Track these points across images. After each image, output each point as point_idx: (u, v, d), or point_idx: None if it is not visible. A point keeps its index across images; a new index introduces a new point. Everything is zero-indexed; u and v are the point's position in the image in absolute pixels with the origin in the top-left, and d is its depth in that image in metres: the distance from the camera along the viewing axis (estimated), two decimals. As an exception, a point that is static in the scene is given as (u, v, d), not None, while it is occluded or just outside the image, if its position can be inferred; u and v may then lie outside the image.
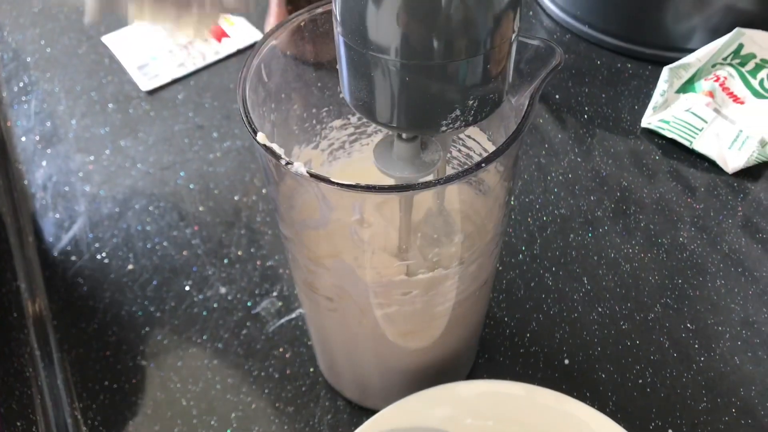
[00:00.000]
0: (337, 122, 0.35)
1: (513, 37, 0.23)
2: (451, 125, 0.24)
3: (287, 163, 0.24)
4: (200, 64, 0.62)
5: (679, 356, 0.43)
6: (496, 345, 0.44)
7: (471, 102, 0.24)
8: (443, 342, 0.35)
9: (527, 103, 0.26)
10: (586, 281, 0.47)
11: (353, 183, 0.23)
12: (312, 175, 0.23)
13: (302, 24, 0.30)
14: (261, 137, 0.25)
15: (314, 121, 0.34)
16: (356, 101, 0.25)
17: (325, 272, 0.30)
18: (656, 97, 0.55)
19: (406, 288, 0.30)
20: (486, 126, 0.33)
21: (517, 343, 0.44)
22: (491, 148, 0.33)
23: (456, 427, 0.35)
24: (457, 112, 0.24)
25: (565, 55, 0.61)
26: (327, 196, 0.26)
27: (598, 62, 0.61)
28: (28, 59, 0.64)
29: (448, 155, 0.37)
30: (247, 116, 0.26)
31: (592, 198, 0.51)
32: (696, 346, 0.44)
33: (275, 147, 0.24)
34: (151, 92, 0.60)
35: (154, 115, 0.58)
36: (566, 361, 0.43)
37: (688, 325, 0.45)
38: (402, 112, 0.24)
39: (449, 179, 0.24)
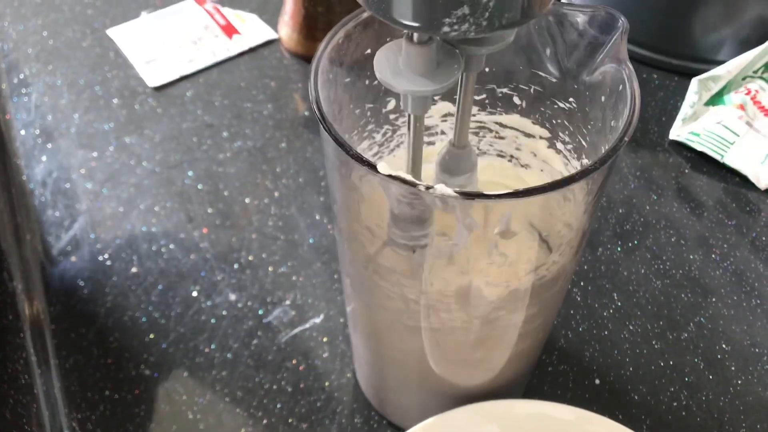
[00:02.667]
0: (365, 144, 0.33)
1: None
2: (456, 27, 0.20)
3: (428, 188, 0.21)
4: (210, 61, 0.59)
5: (715, 378, 0.41)
6: (522, 362, 0.42)
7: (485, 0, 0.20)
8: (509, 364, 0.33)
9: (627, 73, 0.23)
10: (616, 297, 0.45)
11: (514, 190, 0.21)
12: (464, 194, 0.21)
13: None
14: (383, 167, 0.21)
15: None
16: None
17: (442, 299, 0.28)
18: (685, 109, 0.53)
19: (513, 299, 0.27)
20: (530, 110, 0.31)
21: (545, 361, 0.42)
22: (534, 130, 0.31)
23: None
24: (466, 10, 0.20)
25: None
26: (474, 213, 0.23)
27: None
28: (30, 50, 0.61)
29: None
30: (351, 152, 0.22)
31: (620, 211, 0.49)
32: (732, 368, 0.42)
33: (403, 174, 0.22)
34: (158, 88, 0.57)
35: (161, 111, 0.56)
36: (597, 381, 0.41)
37: (724, 345, 0.43)
38: None
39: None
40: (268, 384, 0.41)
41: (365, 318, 0.33)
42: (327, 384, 0.41)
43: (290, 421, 0.39)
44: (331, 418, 0.39)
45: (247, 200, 0.50)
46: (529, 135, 0.33)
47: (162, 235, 0.48)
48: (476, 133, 0.35)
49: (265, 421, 0.39)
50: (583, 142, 0.31)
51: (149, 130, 0.54)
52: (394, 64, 0.24)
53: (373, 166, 0.21)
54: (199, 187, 0.50)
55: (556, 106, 0.32)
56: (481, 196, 0.21)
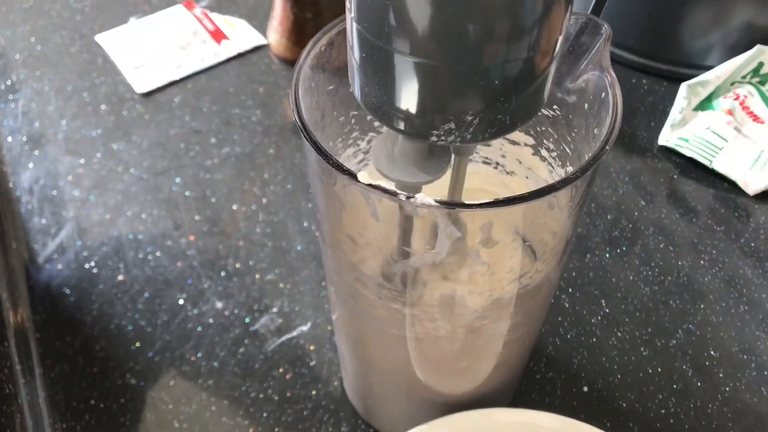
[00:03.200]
0: (350, 151, 0.33)
1: (527, 55, 0.20)
2: (443, 138, 0.22)
3: (408, 197, 0.21)
4: (199, 66, 0.59)
5: (703, 385, 0.41)
6: (510, 370, 0.41)
7: (469, 118, 0.21)
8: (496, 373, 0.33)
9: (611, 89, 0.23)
10: (604, 304, 0.44)
11: (500, 198, 0.21)
12: (445, 203, 0.21)
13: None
14: (363, 176, 0.21)
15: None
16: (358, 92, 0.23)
17: (426, 308, 0.27)
18: (674, 114, 0.53)
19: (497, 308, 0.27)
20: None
21: (533, 369, 0.41)
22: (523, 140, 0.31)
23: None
24: (452, 125, 0.21)
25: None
26: (459, 221, 0.23)
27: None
28: (17, 56, 0.61)
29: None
30: (331, 161, 0.22)
31: (609, 217, 0.49)
32: (721, 375, 0.41)
33: (383, 183, 0.22)
34: (146, 94, 0.57)
35: (149, 118, 0.55)
36: (585, 389, 0.41)
37: (712, 352, 0.42)
38: (389, 107, 0.21)
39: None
40: (255, 392, 0.40)
41: (350, 326, 0.33)
42: (314, 392, 0.40)
43: (277, 430, 0.39)
44: (317, 426, 0.39)
45: (234, 207, 0.49)
46: (514, 142, 0.33)
47: (149, 243, 0.47)
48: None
49: (251, 430, 0.39)
50: (567, 150, 0.31)
51: (137, 137, 0.54)
52: (390, 151, 0.24)
53: (353, 175, 0.21)
54: (187, 193, 0.50)
55: (540, 114, 0.31)
56: (461, 205, 0.21)
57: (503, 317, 0.28)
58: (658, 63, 0.58)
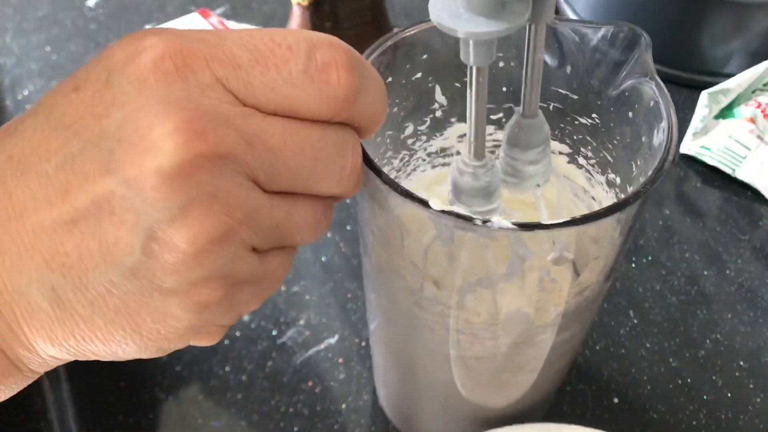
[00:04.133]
0: (385, 170, 0.32)
1: None
2: None
3: (484, 222, 0.21)
4: (216, 75, 0.58)
5: (733, 396, 0.41)
6: (540, 382, 0.41)
7: None
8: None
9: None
10: (632, 314, 0.44)
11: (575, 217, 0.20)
12: (523, 226, 0.21)
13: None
14: (436, 204, 0.21)
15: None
16: None
17: (488, 327, 0.27)
18: (696, 123, 0.53)
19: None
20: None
21: (563, 381, 0.41)
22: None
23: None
24: None
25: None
26: (529, 243, 0.23)
27: (631, 85, 0.59)
28: (33, 66, 0.60)
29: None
30: (400, 189, 0.22)
31: (637, 226, 0.49)
32: (751, 385, 0.41)
33: (457, 209, 0.21)
34: (165, 104, 0.57)
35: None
36: (615, 400, 0.41)
37: (741, 363, 0.42)
38: None
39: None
40: (284, 407, 0.40)
41: (399, 348, 0.33)
42: (344, 406, 0.40)
43: (308, 444, 0.39)
44: (349, 441, 0.39)
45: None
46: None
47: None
48: (492, 152, 0.35)
49: (282, 445, 0.39)
50: (609, 157, 0.31)
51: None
52: (453, 8, 0.21)
53: (425, 203, 0.21)
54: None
55: (577, 122, 0.31)
56: (540, 226, 0.21)
57: (561, 330, 0.28)
58: (678, 71, 0.58)
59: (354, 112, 0.20)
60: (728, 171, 0.51)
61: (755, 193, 0.51)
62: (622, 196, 0.31)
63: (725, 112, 0.54)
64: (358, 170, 0.21)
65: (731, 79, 0.54)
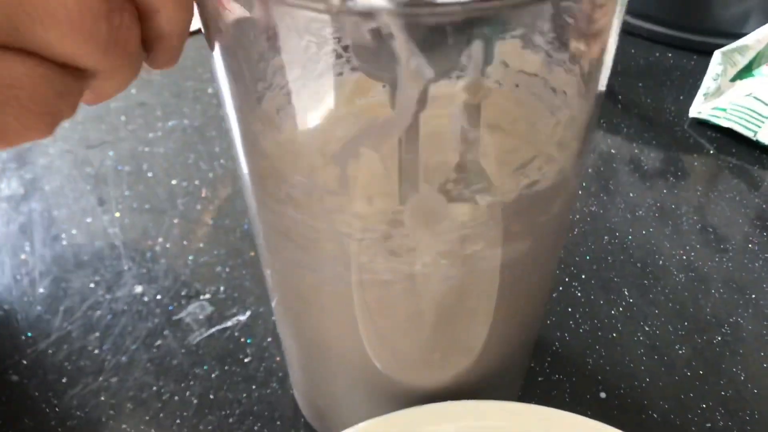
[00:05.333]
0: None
1: None
2: None
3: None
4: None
5: (760, 392, 0.31)
6: (503, 370, 0.31)
7: None
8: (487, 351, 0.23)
9: None
10: (627, 293, 0.35)
11: None
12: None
13: None
14: None
15: None
16: None
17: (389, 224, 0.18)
18: (707, 82, 0.44)
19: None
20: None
21: (534, 369, 0.32)
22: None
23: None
24: None
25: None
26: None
27: (633, 51, 0.51)
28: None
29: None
30: None
31: (631, 195, 0.40)
32: (783, 380, 0.31)
33: None
34: (92, 70, 0.50)
35: (91, 92, 0.48)
36: (602, 395, 0.31)
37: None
38: None
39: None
40: (169, 394, 0.31)
41: (286, 281, 0.24)
42: (244, 395, 0.31)
43: (190, 441, 0.29)
44: (244, 438, 0.29)
45: (174, 182, 0.41)
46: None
47: (65, 219, 0.39)
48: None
49: (157, 442, 0.29)
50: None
51: (72, 111, 0.46)
52: None
53: None
54: (119, 168, 0.42)
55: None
56: (431, 4, 0.13)
57: (500, 239, 0.19)
58: (687, 33, 0.50)
59: None
60: (748, 134, 0.42)
61: (782, 158, 0.41)
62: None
63: (743, 74, 0.45)
64: None
65: (749, 36, 0.45)
